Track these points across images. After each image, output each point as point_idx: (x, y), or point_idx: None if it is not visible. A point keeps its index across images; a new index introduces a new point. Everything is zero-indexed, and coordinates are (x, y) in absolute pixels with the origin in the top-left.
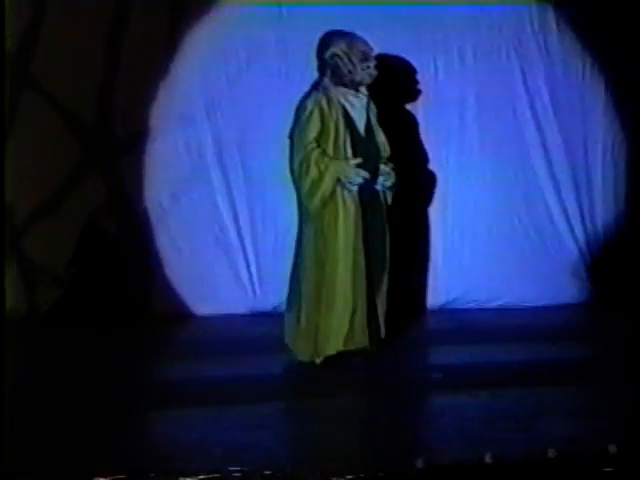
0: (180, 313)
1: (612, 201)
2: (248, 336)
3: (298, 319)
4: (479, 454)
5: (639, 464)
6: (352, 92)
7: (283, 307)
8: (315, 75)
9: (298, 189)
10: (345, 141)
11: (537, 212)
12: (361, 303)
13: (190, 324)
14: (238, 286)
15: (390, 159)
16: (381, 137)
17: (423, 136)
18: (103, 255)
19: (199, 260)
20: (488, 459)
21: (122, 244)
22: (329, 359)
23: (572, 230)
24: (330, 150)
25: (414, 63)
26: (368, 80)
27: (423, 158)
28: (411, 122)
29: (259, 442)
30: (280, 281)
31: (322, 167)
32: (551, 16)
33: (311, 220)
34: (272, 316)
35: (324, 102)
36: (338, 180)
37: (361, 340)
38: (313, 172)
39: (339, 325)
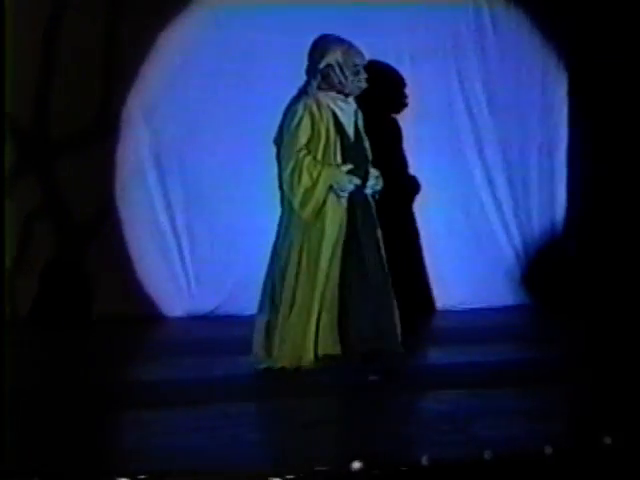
0: (119, 315)
1: (547, 202)
2: (187, 339)
3: (268, 324)
4: (416, 456)
5: (574, 465)
6: (341, 97)
7: (221, 310)
8: (247, 75)
9: (288, 196)
10: (335, 147)
11: (473, 213)
12: (331, 311)
13: (130, 326)
14: (176, 289)
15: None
16: (367, 142)
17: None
18: (40, 258)
19: (137, 263)
20: (425, 461)
21: (58, 246)
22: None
23: (508, 232)
24: (320, 156)
25: None
26: (357, 92)
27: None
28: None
29: (199, 444)
30: (217, 283)
31: (314, 174)
32: (487, 17)
33: (300, 226)
34: (209, 319)
35: (314, 107)
36: (330, 187)
37: (333, 348)
38: (306, 180)
39: (310, 332)
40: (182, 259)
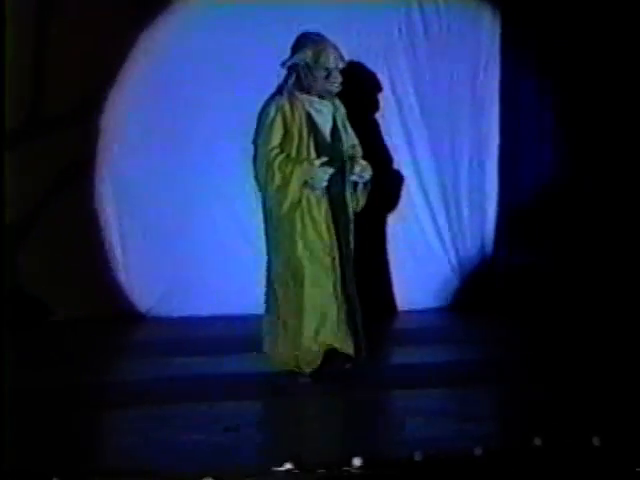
0: (54, 317)
1: (478, 208)
2: (123, 340)
3: (274, 324)
4: (347, 456)
5: (504, 466)
6: (316, 99)
7: (153, 311)
8: (177, 71)
9: (264, 196)
10: (309, 147)
11: (407, 219)
12: (334, 306)
13: (62, 328)
14: (108, 291)
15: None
16: (351, 139)
17: None
18: None
19: (71, 262)
20: (356, 462)
21: None
22: None
23: (440, 237)
24: (293, 154)
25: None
26: (328, 95)
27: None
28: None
29: (133, 446)
30: (151, 284)
31: (287, 172)
32: (419, 21)
33: (281, 225)
34: (146, 319)
35: (287, 107)
36: (305, 183)
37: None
38: (278, 178)
39: (308, 331)
40: (114, 262)
